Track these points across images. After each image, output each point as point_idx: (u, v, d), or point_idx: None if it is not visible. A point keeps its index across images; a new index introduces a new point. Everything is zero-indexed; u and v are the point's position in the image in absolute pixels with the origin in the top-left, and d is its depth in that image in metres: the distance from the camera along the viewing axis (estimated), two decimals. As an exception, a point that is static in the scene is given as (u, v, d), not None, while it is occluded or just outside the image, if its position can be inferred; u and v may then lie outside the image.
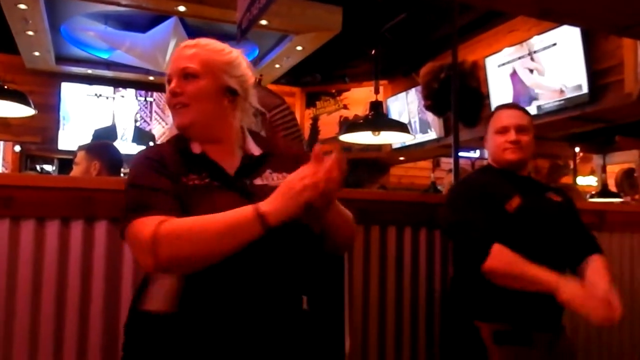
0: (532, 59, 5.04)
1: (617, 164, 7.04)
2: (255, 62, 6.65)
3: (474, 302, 1.88)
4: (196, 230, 1.17)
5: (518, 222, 1.83)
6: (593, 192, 6.64)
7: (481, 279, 1.78)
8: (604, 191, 6.45)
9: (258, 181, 1.35)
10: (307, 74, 7.62)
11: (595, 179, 7.36)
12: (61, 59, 6.68)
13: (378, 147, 7.16)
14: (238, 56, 1.44)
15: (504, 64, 5.37)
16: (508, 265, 1.72)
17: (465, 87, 5.42)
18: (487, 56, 5.56)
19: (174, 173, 1.29)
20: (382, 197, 2.41)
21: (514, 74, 5.26)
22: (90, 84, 7.13)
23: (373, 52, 4.69)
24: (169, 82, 1.38)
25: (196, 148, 1.36)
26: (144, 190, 1.25)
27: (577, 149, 6.71)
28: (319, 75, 7.75)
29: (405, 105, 7.11)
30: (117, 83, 7.23)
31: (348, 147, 7.31)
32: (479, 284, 1.81)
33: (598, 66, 4.47)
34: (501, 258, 1.73)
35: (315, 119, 7.97)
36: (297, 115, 7.72)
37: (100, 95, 7.20)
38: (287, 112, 2.24)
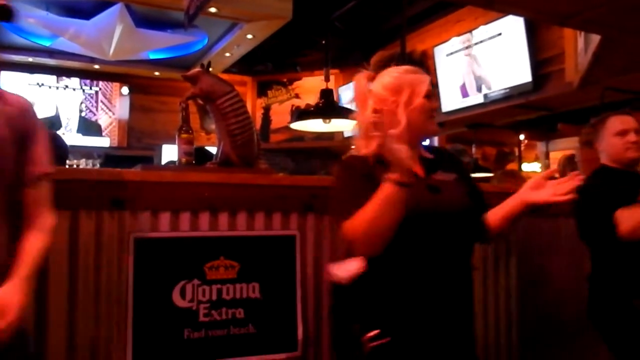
0: (478, 49, 5.15)
1: (559, 151, 7.27)
2: (205, 51, 6.55)
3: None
4: (363, 218, 1.42)
5: None
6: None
7: None
8: (547, 177, 6.69)
9: (437, 176, 1.64)
10: (259, 63, 7.56)
11: (540, 165, 7.61)
12: (0, 46, 6.41)
13: (330, 136, 7.19)
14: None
15: (451, 53, 5.47)
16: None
17: (414, 76, 5.49)
18: (435, 45, 5.65)
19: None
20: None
21: (461, 63, 5.37)
22: (32, 72, 6.87)
23: (324, 41, 4.69)
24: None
25: None
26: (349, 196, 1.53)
27: (522, 137, 6.91)
28: (271, 64, 7.71)
29: (357, 94, 7.15)
30: (61, 72, 6.99)
31: (301, 137, 7.32)
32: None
33: (541, 56, 4.61)
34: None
35: (267, 109, 7.93)
36: (249, 105, 7.66)
37: (42, 84, 6.96)
38: (237, 100, 2.22)
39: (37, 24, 5.79)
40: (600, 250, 2.31)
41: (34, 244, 1.43)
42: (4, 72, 6.75)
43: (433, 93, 1.67)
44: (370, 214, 1.42)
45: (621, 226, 2.09)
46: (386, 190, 1.40)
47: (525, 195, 1.60)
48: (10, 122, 1.41)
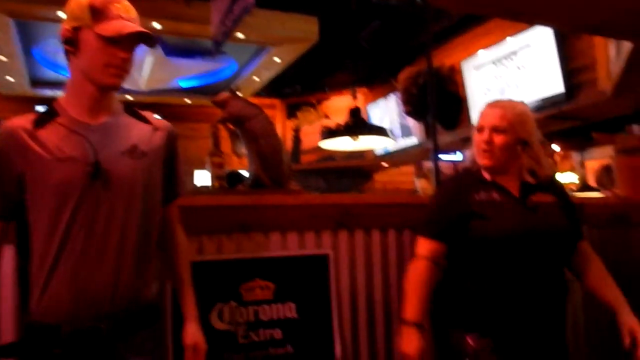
0: (507, 61, 5.12)
1: (595, 160, 7.14)
2: (234, 76, 6.67)
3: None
4: (408, 287, 1.78)
5: None
6: (574, 188, 6.73)
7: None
8: (584, 186, 6.54)
9: (536, 197, 1.83)
10: (287, 86, 7.65)
11: (576, 175, 7.46)
12: (36, 82, 6.61)
13: (361, 155, 7.20)
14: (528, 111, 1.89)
15: (480, 67, 5.45)
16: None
17: (443, 91, 5.48)
18: (463, 59, 5.63)
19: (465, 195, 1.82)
20: (362, 200, 2.43)
21: (490, 77, 5.34)
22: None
23: (352, 61, 4.73)
24: (480, 131, 1.85)
25: (487, 177, 1.86)
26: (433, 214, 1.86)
27: (556, 147, 6.80)
28: (299, 86, 7.78)
29: (386, 111, 7.16)
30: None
31: (331, 157, 7.34)
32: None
33: (572, 65, 4.54)
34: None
35: (297, 130, 7.99)
36: (279, 127, 7.74)
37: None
38: (266, 122, 2.26)
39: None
40: None
41: (187, 275, 1.60)
42: (39, 107, 6.97)
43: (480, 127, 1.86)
44: (405, 291, 1.77)
45: None
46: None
47: (629, 321, 1.78)
48: (163, 141, 1.53)
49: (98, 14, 1.37)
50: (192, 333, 1.54)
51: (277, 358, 2.02)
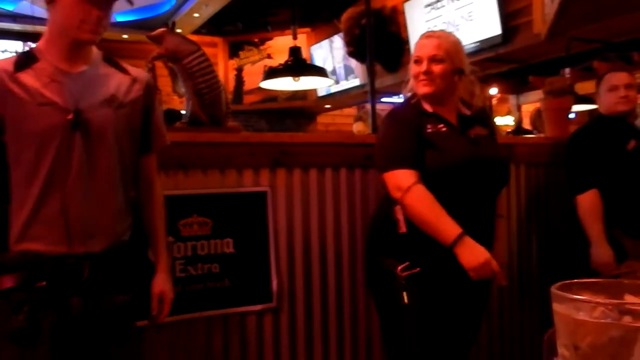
0: (448, 2, 5.15)
1: (531, 104, 7.38)
2: (173, 11, 6.43)
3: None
4: (422, 210, 1.78)
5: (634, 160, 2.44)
6: (509, 130, 6.97)
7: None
8: (518, 129, 6.79)
9: (475, 131, 1.92)
10: (229, 23, 7.45)
11: (512, 118, 7.71)
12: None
13: (304, 96, 7.18)
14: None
15: (421, 8, 5.46)
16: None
17: (385, 32, 5.48)
18: (405, 1, 5.63)
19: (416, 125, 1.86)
20: (300, 139, 2.46)
21: (430, 18, 5.37)
22: (-4, 38, 6.70)
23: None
24: (417, 62, 1.89)
25: (428, 108, 1.91)
26: (399, 146, 1.85)
27: (494, 90, 6.98)
28: (241, 24, 7.60)
29: (329, 52, 7.12)
30: (26, 37, 6.80)
31: (274, 97, 7.29)
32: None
33: (510, 8, 4.63)
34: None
35: (239, 70, 7.85)
36: (221, 66, 7.57)
37: (5, 50, 6.78)
38: (203, 59, 2.22)
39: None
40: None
41: (162, 226, 1.67)
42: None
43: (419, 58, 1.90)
44: (427, 218, 1.78)
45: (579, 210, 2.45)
46: (454, 239, 1.73)
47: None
48: (141, 93, 1.57)
49: None
50: (160, 282, 1.63)
51: (214, 291, 2.08)
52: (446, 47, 1.87)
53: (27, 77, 1.42)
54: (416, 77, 1.90)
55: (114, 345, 1.51)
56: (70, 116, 1.41)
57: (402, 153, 1.83)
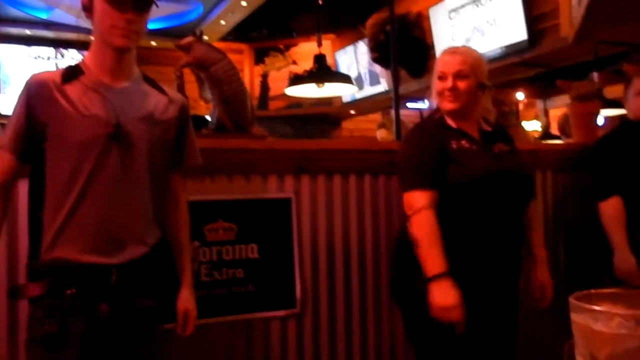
0: (473, 8, 5.12)
1: (559, 108, 7.28)
2: (200, 19, 6.52)
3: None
4: (418, 235, 1.79)
5: None
6: (536, 136, 6.89)
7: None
8: (545, 134, 6.71)
9: (498, 147, 1.94)
10: (254, 30, 7.51)
11: (539, 123, 7.61)
12: (-1, 19, 6.38)
13: (328, 102, 7.19)
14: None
15: (446, 14, 5.44)
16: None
17: (410, 38, 5.47)
18: (430, 6, 5.61)
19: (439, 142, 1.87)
20: (324, 146, 2.48)
21: (456, 24, 5.34)
22: (29, 45, 6.85)
23: (320, 1, 4.67)
24: (441, 78, 1.90)
25: (452, 124, 1.92)
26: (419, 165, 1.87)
27: (520, 95, 6.91)
28: (266, 30, 7.65)
29: (354, 58, 7.13)
30: (58, 44, 6.96)
31: (299, 103, 7.32)
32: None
33: (535, 12, 4.58)
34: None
35: (264, 76, 7.90)
36: (247, 73, 7.63)
37: (38, 57, 6.95)
38: (229, 67, 2.27)
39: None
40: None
41: (187, 242, 1.73)
42: (2, 45, 6.74)
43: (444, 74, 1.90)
44: (420, 244, 1.78)
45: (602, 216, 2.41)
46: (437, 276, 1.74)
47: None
48: (176, 113, 1.64)
49: None
50: (185, 299, 1.67)
51: (239, 296, 2.11)
52: (470, 63, 1.89)
53: (73, 89, 1.49)
54: (441, 93, 1.91)
55: (141, 347, 1.54)
56: (110, 129, 1.47)
57: (421, 172, 1.85)
